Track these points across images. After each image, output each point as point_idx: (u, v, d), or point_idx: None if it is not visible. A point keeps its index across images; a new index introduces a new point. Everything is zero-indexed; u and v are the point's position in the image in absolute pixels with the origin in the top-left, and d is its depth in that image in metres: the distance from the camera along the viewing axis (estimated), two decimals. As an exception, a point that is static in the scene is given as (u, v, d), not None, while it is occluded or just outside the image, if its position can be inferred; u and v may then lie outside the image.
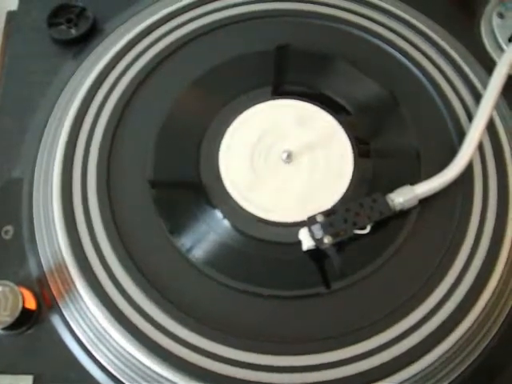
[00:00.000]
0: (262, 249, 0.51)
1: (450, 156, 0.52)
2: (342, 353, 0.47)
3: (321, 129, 0.56)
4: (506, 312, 0.50)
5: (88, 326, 0.48)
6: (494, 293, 0.50)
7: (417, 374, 0.47)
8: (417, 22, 0.61)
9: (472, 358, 0.49)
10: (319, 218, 0.49)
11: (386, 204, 0.50)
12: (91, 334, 0.48)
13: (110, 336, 0.47)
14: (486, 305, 0.49)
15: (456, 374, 0.48)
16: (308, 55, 0.59)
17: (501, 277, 0.50)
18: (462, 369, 0.48)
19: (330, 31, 0.60)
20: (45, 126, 0.57)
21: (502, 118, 0.56)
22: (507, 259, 0.51)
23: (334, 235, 0.49)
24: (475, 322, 0.48)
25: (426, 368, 0.47)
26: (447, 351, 0.47)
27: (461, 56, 0.59)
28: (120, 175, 0.53)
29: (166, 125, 0.55)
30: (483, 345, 0.49)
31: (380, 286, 0.50)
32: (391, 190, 0.51)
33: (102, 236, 0.50)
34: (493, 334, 0.50)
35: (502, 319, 0.50)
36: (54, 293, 0.50)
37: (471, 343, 0.48)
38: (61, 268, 0.50)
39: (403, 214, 0.51)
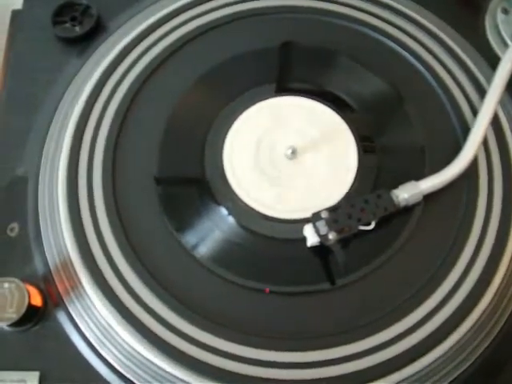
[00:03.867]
0: (266, 245, 0.51)
1: (455, 151, 0.52)
2: (345, 349, 0.47)
3: (325, 125, 0.56)
4: (509, 311, 0.50)
5: (93, 323, 0.48)
6: (497, 291, 0.49)
7: (419, 371, 0.47)
8: (421, 18, 0.61)
9: (473, 358, 0.49)
10: (324, 214, 0.49)
11: (391, 200, 0.50)
12: (97, 331, 0.48)
13: (116, 332, 0.47)
14: (490, 303, 0.49)
15: (457, 373, 0.48)
16: (312, 52, 0.59)
17: (505, 275, 0.50)
18: (464, 368, 0.48)
19: (334, 28, 0.60)
20: (50, 124, 0.57)
21: (507, 114, 0.56)
22: (511, 258, 0.51)
23: (338, 231, 0.49)
24: (478, 320, 0.48)
25: (428, 366, 0.47)
26: (449, 350, 0.47)
27: (465, 51, 0.59)
28: (125, 172, 0.53)
29: (171, 121, 0.55)
30: (485, 344, 0.49)
31: (384, 283, 0.50)
32: (396, 185, 0.51)
33: (108, 233, 0.50)
34: (495, 333, 0.50)
35: (504, 318, 0.50)
36: (60, 290, 0.50)
37: (473, 342, 0.48)
38: (66, 265, 0.50)
39: (408, 210, 0.51)
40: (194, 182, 0.55)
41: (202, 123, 0.56)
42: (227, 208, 0.52)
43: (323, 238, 0.48)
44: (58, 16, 0.61)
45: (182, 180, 0.55)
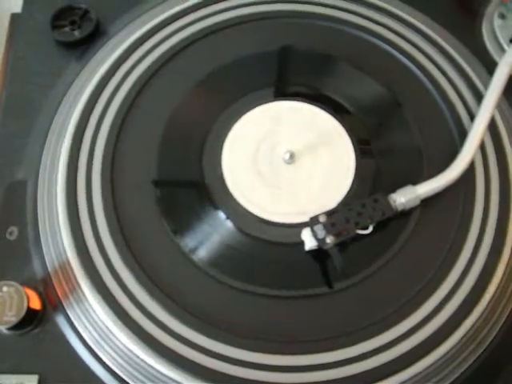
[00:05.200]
0: (264, 249, 0.51)
1: (452, 155, 0.53)
2: (344, 352, 0.47)
3: (323, 129, 0.56)
4: (508, 312, 0.51)
5: (92, 326, 0.49)
6: (495, 293, 0.50)
7: (419, 373, 0.47)
8: (418, 23, 0.61)
9: (473, 358, 0.49)
10: (321, 218, 0.49)
11: (388, 204, 0.50)
12: (95, 334, 0.48)
13: (114, 336, 0.48)
14: (488, 304, 0.49)
15: (457, 375, 0.48)
16: (310, 56, 0.59)
17: (502, 277, 0.50)
18: (463, 369, 0.48)
19: (331, 32, 0.60)
20: (49, 128, 0.57)
21: (504, 118, 0.56)
22: (509, 259, 0.51)
23: (336, 235, 0.49)
24: (477, 321, 0.49)
25: (428, 368, 0.47)
26: (449, 351, 0.48)
27: (462, 56, 0.59)
28: (124, 176, 0.54)
29: (170, 125, 0.56)
30: (485, 345, 0.49)
31: (382, 286, 0.50)
32: (393, 189, 0.51)
33: (106, 236, 0.51)
34: (494, 334, 0.50)
35: (503, 319, 0.50)
36: (59, 293, 0.50)
37: (472, 343, 0.49)
38: (65, 268, 0.50)
39: (405, 214, 0.52)
40: (193, 187, 0.55)
41: (201, 127, 0.56)
42: (225, 212, 0.53)
43: (321, 241, 0.49)
44: (57, 20, 0.61)
45: (180, 184, 0.55)
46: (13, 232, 0.53)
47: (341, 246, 0.49)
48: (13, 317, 0.47)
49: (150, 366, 0.47)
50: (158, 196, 0.53)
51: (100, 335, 0.48)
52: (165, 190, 0.54)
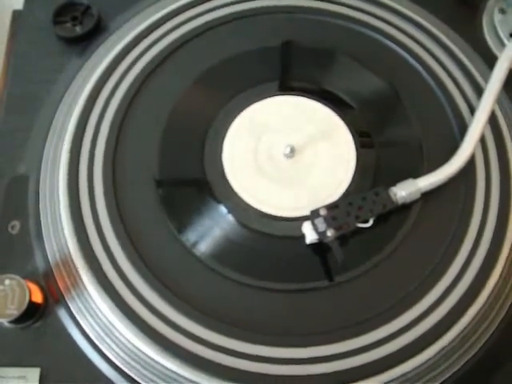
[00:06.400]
0: (266, 243, 0.52)
1: (453, 149, 0.53)
2: (344, 345, 0.47)
3: (324, 124, 0.56)
4: (506, 308, 0.51)
5: (94, 320, 0.49)
6: (495, 287, 0.50)
7: (418, 366, 0.47)
8: (419, 18, 0.61)
9: (471, 354, 0.49)
10: (322, 212, 0.49)
11: (389, 197, 0.50)
12: (97, 328, 0.49)
13: (116, 329, 0.48)
14: (488, 298, 0.49)
15: (454, 370, 0.48)
16: (311, 51, 0.59)
17: (502, 272, 0.50)
18: (461, 364, 0.48)
19: (332, 27, 0.60)
20: (51, 123, 0.57)
21: (504, 112, 0.56)
22: (509, 253, 0.51)
23: (336, 228, 0.49)
24: (476, 315, 0.49)
25: (426, 362, 0.47)
26: (447, 346, 0.48)
27: (462, 51, 0.60)
28: (126, 170, 0.54)
29: (171, 120, 0.56)
30: (482, 341, 0.49)
31: (382, 280, 0.50)
32: (394, 183, 0.51)
33: (109, 230, 0.51)
34: (492, 330, 0.50)
35: (502, 315, 0.50)
36: (61, 287, 0.50)
37: (470, 339, 0.49)
38: (67, 262, 0.50)
39: (406, 207, 0.52)
40: (194, 181, 0.55)
41: (202, 122, 0.57)
42: (227, 206, 0.53)
43: (321, 235, 0.49)
44: (59, 16, 0.61)
45: (182, 179, 0.55)
46: (15, 226, 0.53)
47: (341, 239, 0.50)
48: (15, 310, 0.47)
49: (151, 358, 0.47)
50: (160, 191, 0.53)
51: (102, 328, 0.48)
52: (166, 186, 0.54)
